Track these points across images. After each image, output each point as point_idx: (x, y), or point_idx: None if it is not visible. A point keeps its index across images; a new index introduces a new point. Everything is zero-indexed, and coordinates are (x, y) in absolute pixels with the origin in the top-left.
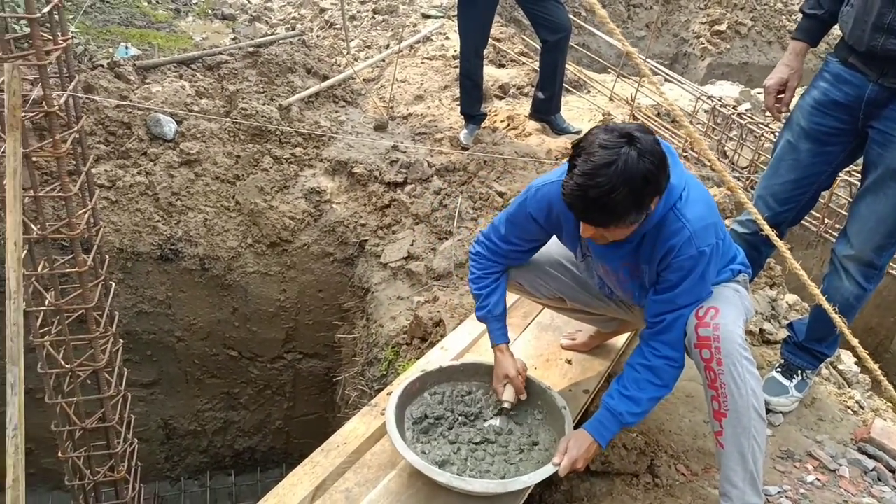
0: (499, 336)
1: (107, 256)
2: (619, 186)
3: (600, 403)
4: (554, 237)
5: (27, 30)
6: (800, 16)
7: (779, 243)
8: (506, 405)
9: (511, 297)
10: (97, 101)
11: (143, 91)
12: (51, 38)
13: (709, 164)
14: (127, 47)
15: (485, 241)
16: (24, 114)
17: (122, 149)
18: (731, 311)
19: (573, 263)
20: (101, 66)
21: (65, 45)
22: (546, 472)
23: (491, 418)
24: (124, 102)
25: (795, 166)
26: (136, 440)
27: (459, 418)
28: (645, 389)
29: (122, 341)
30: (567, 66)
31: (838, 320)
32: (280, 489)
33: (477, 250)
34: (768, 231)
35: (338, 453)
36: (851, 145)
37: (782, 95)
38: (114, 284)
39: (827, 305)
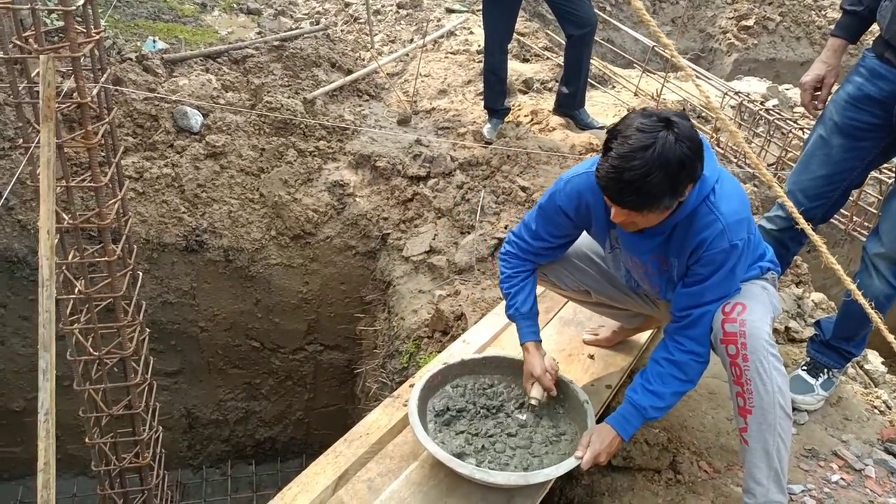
0: (526, 334)
1: (135, 246)
2: (654, 170)
3: (623, 398)
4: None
5: (58, 23)
6: (839, 13)
7: (815, 237)
8: (532, 402)
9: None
10: (126, 93)
11: (170, 84)
12: (84, 31)
13: (735, 159)
14: (154, 41)
15: (515, 240)
16: (57, 105)
17: (150, 141)
18: (758, 308)
19: (600, 257)
20: (130, 59)
21: (97, 38)
22: (568, 465)
23: (515, 411)
24: (152, 95)
25: (827, 162)
26: (160, 427)
27: (481, 411)
28: (669, 384)
29: (148, 330)
30: (592, 60)
31: (875, 315)
32: (303, 477)
33: (507, 250)
34: (803, 224)
35: (360, 443)
36: (885, 142)
37: (819, 92)
38: (141, 274)
39: (863, 300)
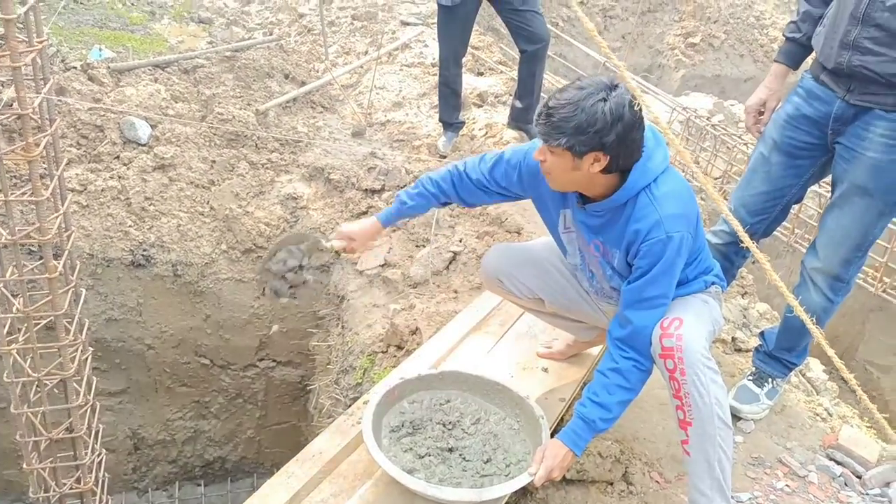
0: (386, 216)
1: (77, 262)
2: (569, 106)
3: (573, 412)
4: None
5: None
6: (781, 38)
7: (760, 256)
8: (327, 244)
9: (488, 305)
10: (70, 103)
11: (116, 94)
12: (25, 39)
13: (684, 172)
14: (101, 49)
15: (465, 163)
16: None
17: (95, 152)
18: (694, 322)
19: (554, 266)
20: (75, 68)
21: (40, 47)
22: (521, 481)
23: (471, 426)
24: (98, 105)
25: (767, 178)
26: (103, 450)
27: (437, 427)
28: (614, 393)
29: (91, 349)
30: (545, 75)
31: (815, 330)
32: (254, 499)
33: (454, 165)
34: (748, 242)
35: (313, 463)
36: (822, 160)
37: (762, 116)
38: (84, 291)
39: (805, 317)
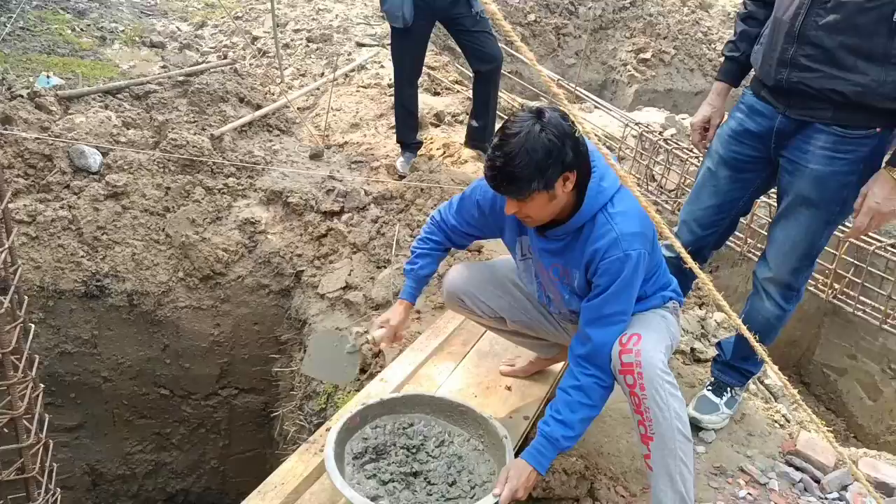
0: (407, 293)
1: (25, 297)
2: (519, 154)
3: (537, 430)
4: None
5: None
6: (721, 57)
7: (701, 275)
8: (370, 337)
9: (451, 325)
10: (15, 133)
11: (65, 122)
12: None
13: (640, 186)
14: (48, 76)
15: (442, 211)
16: None
17: (43, 182)
18: (652, 337)
19: (514, 283)
20: (21, 96)
21: None
22: (486, 503)
23: (435, 449)
24: (45, 136)
25: (715, 192)
26: (59, 490)
27: (401, 451)
28: (577, 411)
29: (42, 385)
30: (500, 94)
31: (759, 349)
32: None
33: (432, 217)
34: (690, 263)
35: (275, 494)
36: (766, 173)
37: (707, 132)
38: (33, 326)
39: (748, 334)
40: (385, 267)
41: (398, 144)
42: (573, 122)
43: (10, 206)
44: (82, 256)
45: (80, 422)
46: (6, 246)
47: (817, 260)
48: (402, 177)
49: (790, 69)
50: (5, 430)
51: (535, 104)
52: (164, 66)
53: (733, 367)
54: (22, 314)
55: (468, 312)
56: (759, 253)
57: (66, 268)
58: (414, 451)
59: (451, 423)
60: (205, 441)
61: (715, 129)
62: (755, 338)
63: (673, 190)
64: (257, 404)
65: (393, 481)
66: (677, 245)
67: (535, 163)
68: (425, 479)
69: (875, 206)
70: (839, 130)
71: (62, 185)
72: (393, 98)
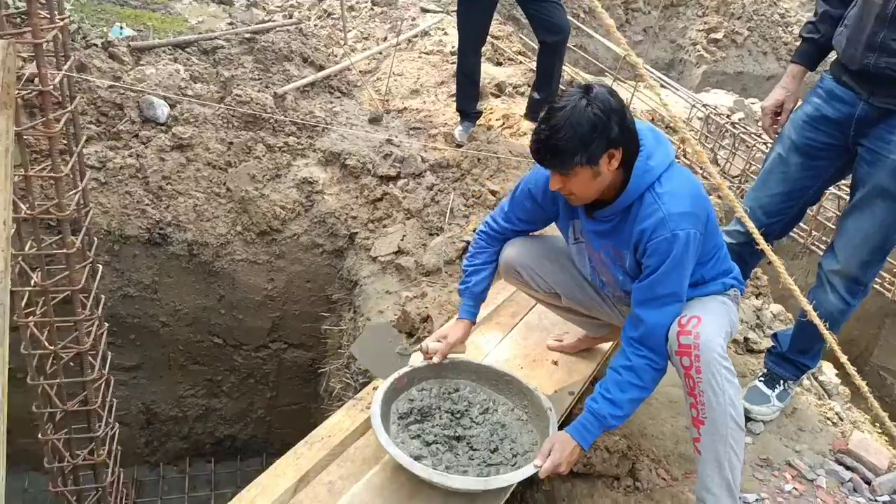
0: (465, 311)
1: (95, 238)
2: (564, 127)
3: (584, 406)
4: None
5: (21, 5)
6: (798, 39)
7: (774, 258)
8: (422, 346)
9: (501, 296)
10: (90, 80)
11: (136, 73)
12: (47, 16)
13: (700, 170)
14: (121, 27)
15: (489, 220)
16: (17, 92)
17: (114, 130)
18: (713, 321)
19: (571, 262)
20: (95, 45)
21: (62, 24)
22: (527, 472)
23: (479, 416)
24: (118, 84)
25: (785, 179)
26: (117, 424)
27: (446, 415)
28: (626, 391)
29: (107, 325)
30: (564, 67)
31: (829, 336)
32: (263, 479)
33: (480, 230)
34: (763, 245)
35: (322, 445)
36: (841, 161)
37: (779, 117)
38: (101, 267)
39: (819, 321)
40: (437, 234)
41: (457, 113)
42: (621, 100)
43: (83, 151)
44: (147, 204)
45: (138, 363)
46: (80, 188)
47: (888, 256)
48: (459, 145)
49: (878, 53)
50: (71, 364)
51: (598, 80)
52: (230, 23)
53: (789, 360)
54: (91, 254)
55: (523, 286)
56: (822, 245)
57: (132, 214)
58: (458, 416)
59: (496, 391)
60: (253, 391)
61: (788, 113)
62: (825, 325)
63: (737, 176)
64: (305, 359)
65: (436, 443)
66: (750, 225)
67: (579, 136)
68: (468, 444)
69: None
70: None
71: (131, 133)
72: (454, 66)
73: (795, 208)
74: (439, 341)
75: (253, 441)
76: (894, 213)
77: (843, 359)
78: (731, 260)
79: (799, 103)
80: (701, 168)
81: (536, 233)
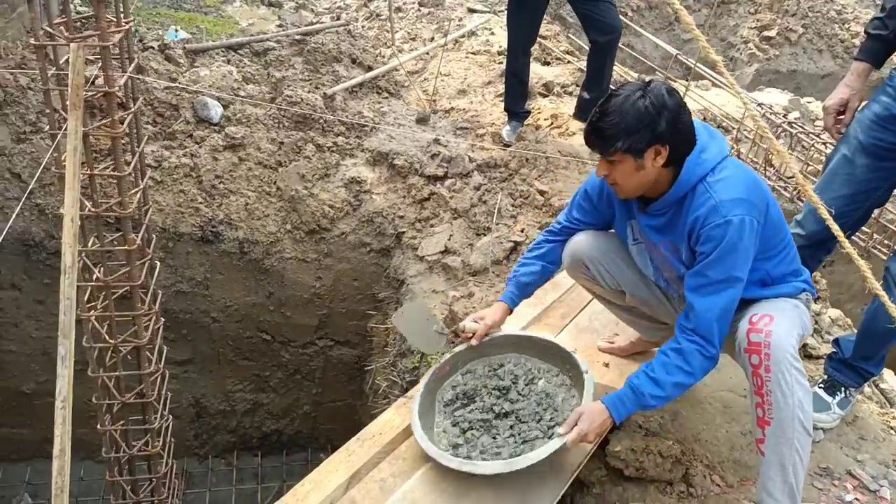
0: (506, 296)
1: (153, 236)
2: (613, 113)
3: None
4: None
5: (82, 9)
6: (863, 35)
7: (846, 244)
8: (462, 325)
9: (550, 296)
10: (149, 82)
11: (191, 74)
12: (113, 19)
13: (760, 171)
14: (176, 30)
15: (555, 221)
16: (84, 93)
17: (169, 130)
18: (785, 321)
19: (634, 262)
20: (152, 47)
21: (127, 27)
22: (552, 446)
23: (525, 388)
24: (174, 84)
25: (850, 181)
26: (170, 416)
27: (493, 392)
28: (672, 373)
29: (162, 319)
30: (614, 67)
31: None
32: (316, 475)
33: (547, 228)
34: (844, 242)
35: (373, 443)
36: None
37: (842, 116)
38: (158, 264)
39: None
40: (485, 234)
41: (505, 113)
42: (678, 95)
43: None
44: (200, 202)
45: (190, 357)
46: (141, 186)
47: None
48: (507, 145)
49: None
50: (129, 358)
51: (648, 78)
52: (280, 25)
53: (851, 367)
54: (150, 251)
55: (589, 281)
56: (884, 249)
57: (186, 212)
58: (505, 391)
59: (540, 360)
60: (300, 387)
61: (852, 112)
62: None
63: (791, 177)
64: (351, 357)
65: (472, 429)
66: (821, 209)
67: (624, 123)
68: (516, 417)
69: None
70: None
71: (186, 133)
72: (502, 65)
73: (861, 210)
74: (476, 322)
75: (298, 436)
76: None
77: None
78: (800, 263)
79: (864, 102)
80: (759, 168)
81: None
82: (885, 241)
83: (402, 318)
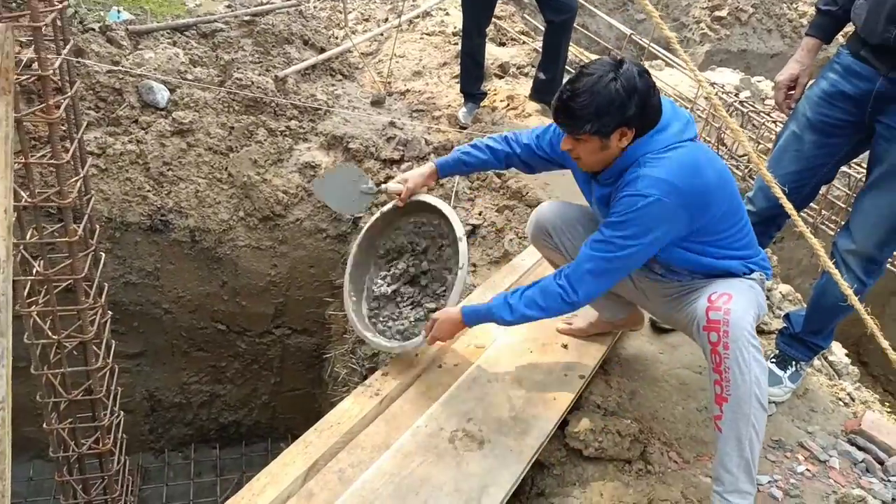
0: (442, 161)
1: (97, 226)
2: (584, 94)
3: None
4: None
5: None
6: (814, 12)
7: (796, 217)
8: (382, 188)
9: (507, 281)
10: (89, 65)
11: (135, 57)
12: None
13: (732, 146)
14: (119, 11)
15: (511, 132)
16: (16, 77)
17: (113, 115)
18: (743, 300)
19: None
20: (93, 29)
21: (60, 6)
22: (413, 343)
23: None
24: (117, 68)
25: (799, 157)
26: (121, 412)
27: (416, 248)
28: (529, 307)
29: (110, 313)
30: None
31: (870, 322)
32: (273, 467)
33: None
34: (796, 217)
35: (331, 433)
36: (856, 138)
37: (792, 91)
38: (103, 255)
39: (859, 306)
40: None
41: (461, 94)
42: (649, 77)
43: (84, 137)
44: (148, 191)
45: (141, 350)
46: (81, 175)
47: None
48: (463, 127)
49: None
50: (74, 353)
51: (619, 55)
52: (229, 6)
53: (801, 341)
54: (94, 242)
55: (551, 250)
56: (832, 226)
57: (133, 201)
58: (424, 250)
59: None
60: (257, 377)
61: (802, 88)
62: (840, 304)
63: (743, 155)
64: (309, 345)
65: (383, 296)
66: (774, 188)
67: (595, 106)
68: (431, 276)
69: None
70: None
71: (131, 119)
72: (457, 46)
73: (808, 187)
74: (400, 184)
75: (258, 427)
76: None
77: (885, 344)
78: (755, 245)
79: (813, 81)
80: (729, 147)
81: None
82: (833, 217)
83: (322, 185)
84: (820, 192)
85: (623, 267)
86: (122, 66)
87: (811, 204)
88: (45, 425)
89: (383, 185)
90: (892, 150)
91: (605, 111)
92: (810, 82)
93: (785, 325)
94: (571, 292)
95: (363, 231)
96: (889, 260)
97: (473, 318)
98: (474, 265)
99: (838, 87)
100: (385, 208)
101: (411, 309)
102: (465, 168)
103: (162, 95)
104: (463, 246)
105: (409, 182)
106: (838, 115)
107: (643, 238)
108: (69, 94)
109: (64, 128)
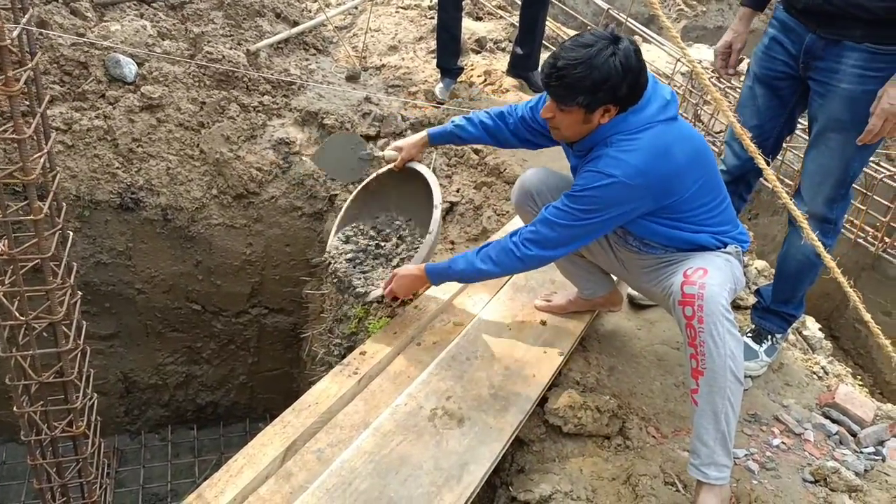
0: (435, 130)
1: (63, 204)
2: (582, 66)
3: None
4: None
5: None
6: None
7: (768, 171)
8: (380, 153)
9: None
10: (52, 36)
11: (100, 29)
12: None
13: (709, 123)
14: None
15: (507, 105)
16: None
17: (79, 90)
18: (718, 275)
19: None
20: (56, 0)
21: None
22: (373, 294)
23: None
24: (81, 40)
25: (756, 112)
26: (95, 394)
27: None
28: (482, 260)
29: (80, 293)
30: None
31: (832, 263)
32: (250, 449)
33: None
34: (768, 172)
35: (309, 413)
36: (800, 88)
37: (730, 58)
38: (71, 233)
39: (827, 256)
40: None
41: (438, 70)
42: (642, 61)
43: (48, 112)
44: (117, 168)
45: (115, 331)
46: (45, 150)
47: (852, 189)
48: (440, 103)
49: None
50: (44, 335)
51: (611, 26)
52: None
53: (774, 312)
54: (61, 220)
55: (533, 216)
56: (787, 189)
57: (102, 178)
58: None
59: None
60: (234, 357)
61: (737, 53)
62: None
63: (720, 132)
64: (286, 324)
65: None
66: (741, 132)
67: (591, 80)
68: (407, 245)
69: (889, 107)
70: (871, 48)
71: (97, 94)
72: (433, 21)
73: (771, 140)
74: (395, 151)
75: (235, 407)
76: (850, 143)
77: (867, 317)
78: (734, 219)
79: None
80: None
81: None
82: (787, 182)
83: (324, 157)
84: (794, 168)
85: (577, 236)
86: (88, 39)
87: (786, 180)
88: (15, 408)
89: (380, 152)
90: (825, 105)
91: (599, 87)
92: (744, 52)
93: (757, 299)
94: (524, 248)
95: (359, 188)
96: (862, 235)
97: (434, 273)
98: (452, 242)
99: (777, 39)
100: (381, 171)
101: (383, 269)
102: (458, 141)
103: (129, 69)
104: (437, 213)
105: (404, 151)
106: (780, 68)
107: (598, 215)
108: (30, 65)
109: (26, 102)
